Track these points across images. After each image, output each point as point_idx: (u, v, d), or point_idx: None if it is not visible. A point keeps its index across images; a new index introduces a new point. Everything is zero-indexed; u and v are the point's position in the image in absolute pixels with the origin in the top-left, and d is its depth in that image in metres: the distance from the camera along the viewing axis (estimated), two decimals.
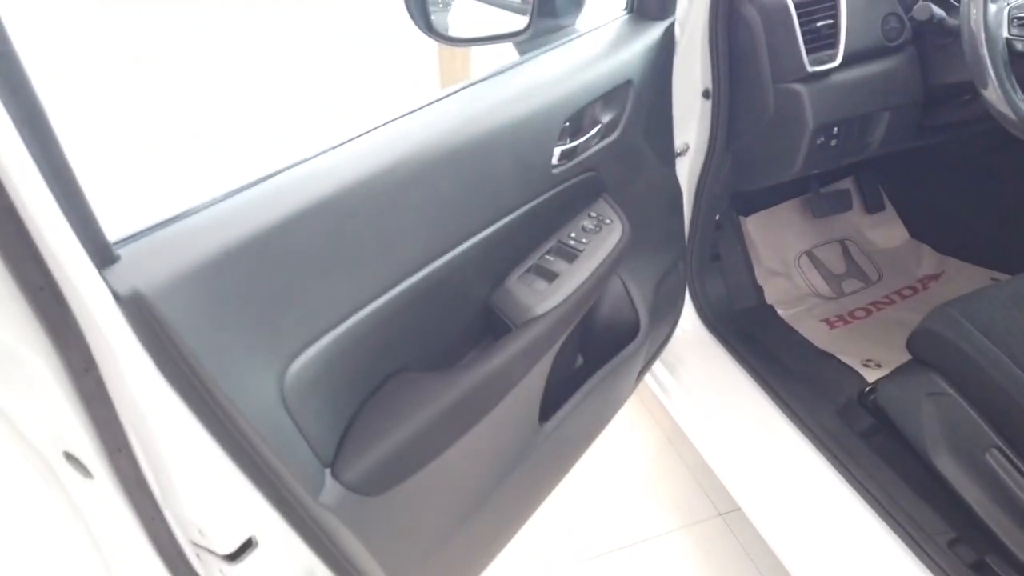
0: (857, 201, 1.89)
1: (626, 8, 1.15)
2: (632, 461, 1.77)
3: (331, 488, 0.76)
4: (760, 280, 1.76)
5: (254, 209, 0.66)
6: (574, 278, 0.98)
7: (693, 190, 1.40)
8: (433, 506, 0.91)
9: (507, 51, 1.26)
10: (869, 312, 1.73)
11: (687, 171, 1.38)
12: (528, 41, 1.09)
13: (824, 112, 1.21)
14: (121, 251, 0.56)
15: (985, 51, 1.06)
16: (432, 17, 1.14)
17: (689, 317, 1.54)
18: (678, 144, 1.34)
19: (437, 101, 0.86)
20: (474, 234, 0.88)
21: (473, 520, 1.00)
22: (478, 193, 0.87)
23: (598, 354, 1.18)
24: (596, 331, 1.18)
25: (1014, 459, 1.03)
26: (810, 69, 1.17)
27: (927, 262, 1.82)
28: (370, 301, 0.77)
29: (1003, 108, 1.08)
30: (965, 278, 1.73)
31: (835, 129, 1.25)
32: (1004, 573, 1.03)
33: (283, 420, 0.70)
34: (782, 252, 1.84)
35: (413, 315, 0.83)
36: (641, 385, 1.51)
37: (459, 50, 2.56)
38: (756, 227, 1.83)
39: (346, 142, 0.76)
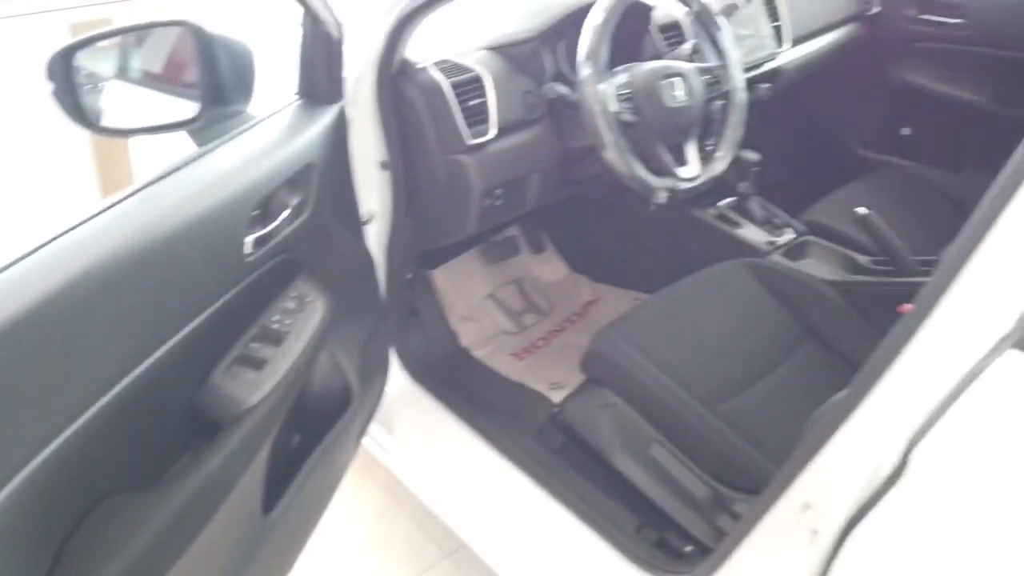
0: (524, 245, 2.14)
1: (297, 93, 1.20)
2: (356, 522, 1.78)
3: None
4: (454, 326, 1.91)
5: None
6: (283, 361, 0.99)
7: (384, 254, 1.49)
8: None
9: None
10: (547, 340, 1.97)
11: (375, 237, 1.45)
12: (202, 130, 1.08)
13: (487, 177, 1.38)
14: None
15: (600, 121, 1.30)
16: (83, 102, 1.06)
17: (396, 373, 1.61)
18: (364, 213, 1.41)
19: (118, 203, 0.82)
20: (171, 337, 0.85)
21: None
22: (171, 295, 0.84)
23: (315, 429, 1.19)
24: (310, 407, 1.19)
25: (671, 449, 1.26)
26: (469, 142, 1.33)
27: (585, 290, 2.13)
28: (60, 432, 0.70)
29: (619, 167, 1.33)
30: (615, 300, 2.06)
31: (498, 191, 1.42)
32: (680, 545, 1.25)
33: None
34: (469, 298, 2.01)
35: (113, 434, 0.77)
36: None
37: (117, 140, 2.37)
38: (443, 278, 1.98)
39: (9, 265, 0.69)
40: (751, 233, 1.76)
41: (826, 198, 1.84)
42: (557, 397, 1.65)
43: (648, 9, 1.54)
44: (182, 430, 0.92)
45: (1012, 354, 0.62)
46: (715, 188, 1.61)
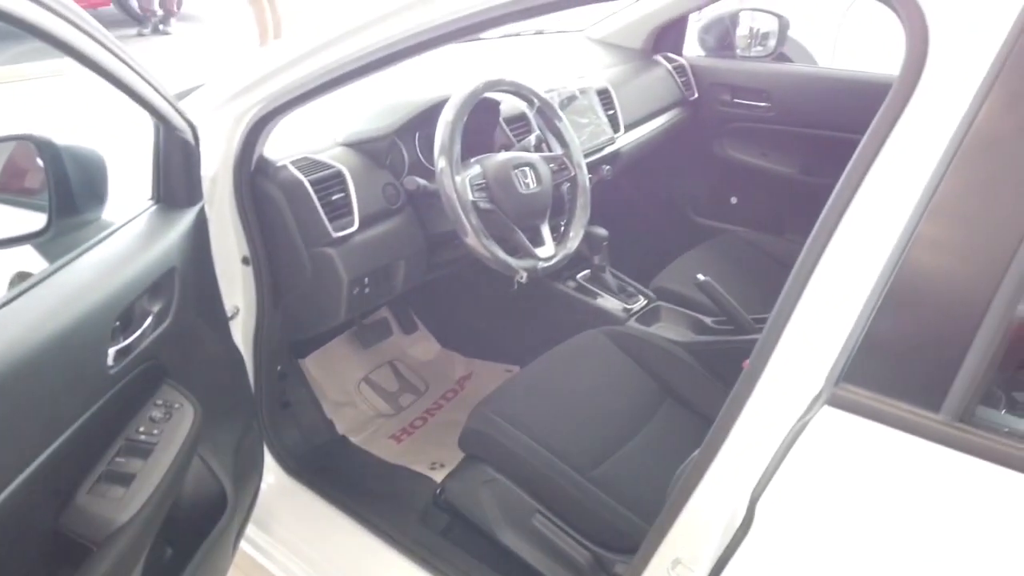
0: (395, 326, 2.17)
1: (152, 199, 1.19)
2: None
3: None
4: (329, 414, 1.89)
5: None
6: (153, 474, 0.96)
7: (251, 348, 1.47)
8: None
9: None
10: (425, 420, 1.99)
11: (242, 332, 1.44)
12: (52, 241, 1.05)
13: (354, 268, 1.41)
14: None
15: (460, 210, 1.38)
16: None
17: (272, 469, 1.57)
18: (229, 308, 1.39)
19: None
20: (32, 461, 0.81)
21: None
22: (31, 417, 0.81)
23: (189, 539, 1.14)
24: (183, 516, 1.14)
25: (552, 518, 1.31)
26: (334, 235, 1.36)
27: (459, 366, 2.18)
28: None
29: (481, 251, 1.41)
30: (488, 373, 2.12)
31: (366, 279, 1.46)
32: None
33: None
34: (343, 383, 2.00)
35: None
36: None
37: None
38: (315, 365, 1.96)
39: None
40: (608, 302, 1.88)
41: (670, 265, 2.00)
42: (439, 477, 1.67)
43: (496, 103, 1.66)
44: (47, 558, 0.86)
45: (826, 411, 0.73)
46: (572, 262, 1.72)
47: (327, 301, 1.43)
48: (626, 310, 1.86)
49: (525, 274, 1.45)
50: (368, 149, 1.49)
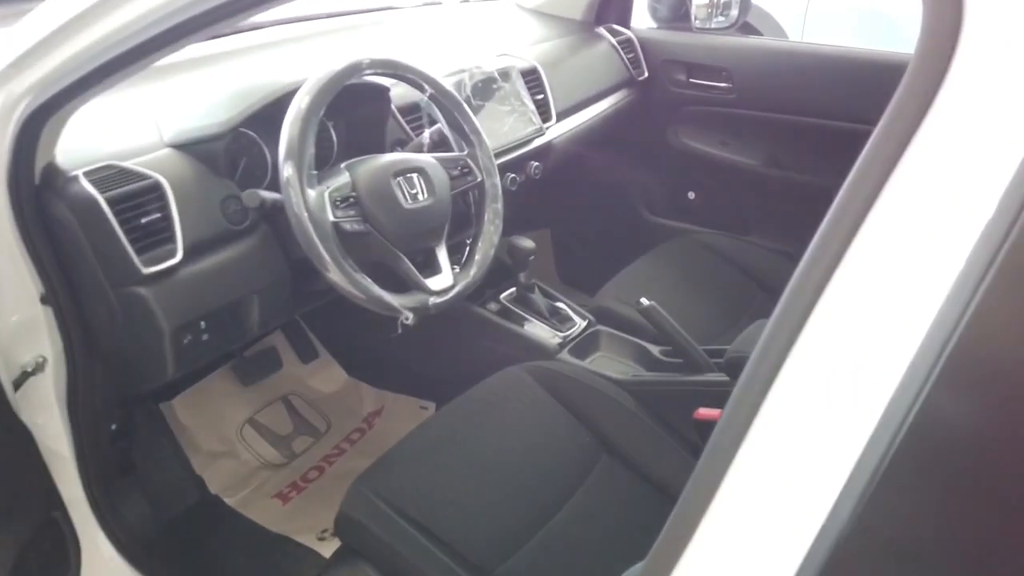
0: (291, 354, 1.82)
1: None
2: None
3: None
4: (200, 469, 1.56)
5: None
6: None
7: (66, 407, 1.14)
8: None
9: None
10: (321, 470, 1.66)
11: (54, 388, 1.11)
12: None
13: (181, 311, 1.07)
14: None
15: (315, 236, 1.05)
16: None
17: (104, 559, 1.24)
18: (30, 361, 1.07)
19: None
20: None
21: None
22: None
23: None
24: None
25: None
26: (145, 270, 1.02)
27: (368, 400, 1.86)
28: None
29: (349, 287, 1.08)
30: (401, 409, 1.81)
31: (202, 324, 1.12)
32: None
33: None
34: (221, 428, 1.66)
35: None
36: None
37: None
38: (185, 409, 1.62)
39: None
40: (537, 328, 1.56)
41: (614, 279, 1.69)
42: (328, 551, 1.36)
43: (385, 90, 1.31)
44: None
45: None
46: (494, 279, 1.41)
47: (146, 356, 1.09)
48: (558, 338, 1.54)
49: (411, 315, 1.12)
50: (202, 152, 1.13)
